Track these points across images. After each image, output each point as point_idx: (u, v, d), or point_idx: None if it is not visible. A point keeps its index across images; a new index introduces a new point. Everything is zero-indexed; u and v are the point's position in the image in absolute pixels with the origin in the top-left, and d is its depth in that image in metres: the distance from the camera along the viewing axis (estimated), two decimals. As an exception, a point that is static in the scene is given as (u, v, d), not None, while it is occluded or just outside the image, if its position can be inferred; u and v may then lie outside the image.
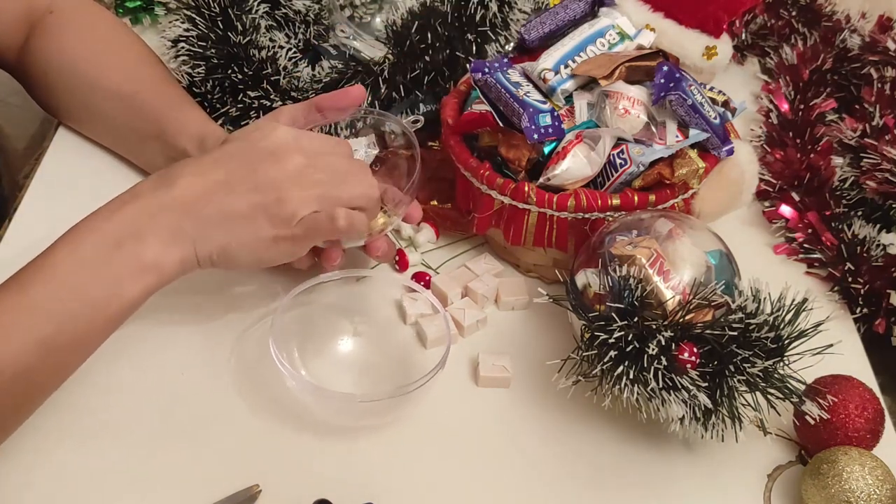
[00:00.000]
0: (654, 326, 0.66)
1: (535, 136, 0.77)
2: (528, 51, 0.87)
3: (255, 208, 0.66)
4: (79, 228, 0.65)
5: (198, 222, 0.66)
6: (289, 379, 0.70)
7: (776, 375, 0.67)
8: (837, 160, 0.94)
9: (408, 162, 0.83)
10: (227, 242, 0.67)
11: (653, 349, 0.65)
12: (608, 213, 0.76)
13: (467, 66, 0.87)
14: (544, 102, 0.79)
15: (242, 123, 0.87)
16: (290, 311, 0.75)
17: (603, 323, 0.67)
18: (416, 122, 0.79)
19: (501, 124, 0.79)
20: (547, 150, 0.79)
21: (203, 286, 0.79)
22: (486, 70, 0.81)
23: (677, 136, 0.79)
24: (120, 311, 0.64)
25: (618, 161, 0.77)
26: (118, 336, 0.76)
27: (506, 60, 0.83)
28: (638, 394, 0.66)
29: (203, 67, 0.89)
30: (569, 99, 0.83)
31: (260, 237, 0.67)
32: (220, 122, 0.88)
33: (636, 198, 0.76)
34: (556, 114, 0.78)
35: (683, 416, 0.67)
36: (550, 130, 0.77)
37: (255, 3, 0.93)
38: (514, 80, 0.80)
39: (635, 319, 0.66)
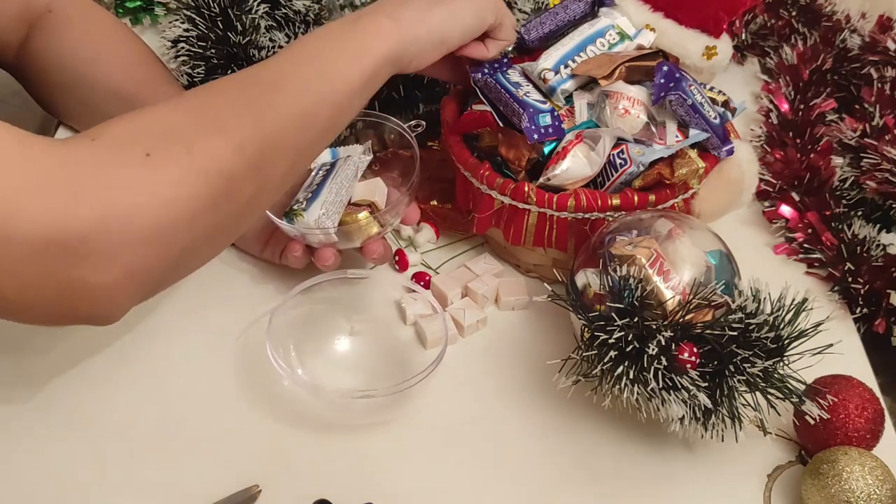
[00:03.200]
0: (654, 326, 0.66)
1: (535, 136, 0.77)
2: (528, 51, 0.87)
3: None
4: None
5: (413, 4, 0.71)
6: (284, 377, 0.70)
7: (776, 375, 0.67)
8: (837, 160, 0.94)
9: (405, 163, 0.83)
10: (445, 16, 0.72)
11: (653, 349, 0.65)
12: (608, 213, 0.76)
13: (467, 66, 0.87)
14: (544, 102, 0.79)
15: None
16: (288, 311, 0.75)
17: (603, 323, 0.67)
18: (417, 126, 0.79)
19: (501, 124, 0.79)
20: (547, 150, 0.79)
21: (202, 286, 0.79)
22: (486, 70, 0.81)
23: (677, 136, 0.79)
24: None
25: (618, 161, 0.76)
26: (118, 336, 0.77)
27: (506, 60, 0.83)
28: (638, 394, 0.66)
29: (203, 67, 0.89)
30: (569, 99, 0.83)
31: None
32: (219, 122, 0.88)
33: (636, 198, 0.76)
34: (556, 114, 0.78)
35: (683, 416, 0.67)
36: (550, 130, 0.77)
37: (255, 3, 0.93)
38: (514, 80, 0.80)
39: (635, 319, 0.66)
